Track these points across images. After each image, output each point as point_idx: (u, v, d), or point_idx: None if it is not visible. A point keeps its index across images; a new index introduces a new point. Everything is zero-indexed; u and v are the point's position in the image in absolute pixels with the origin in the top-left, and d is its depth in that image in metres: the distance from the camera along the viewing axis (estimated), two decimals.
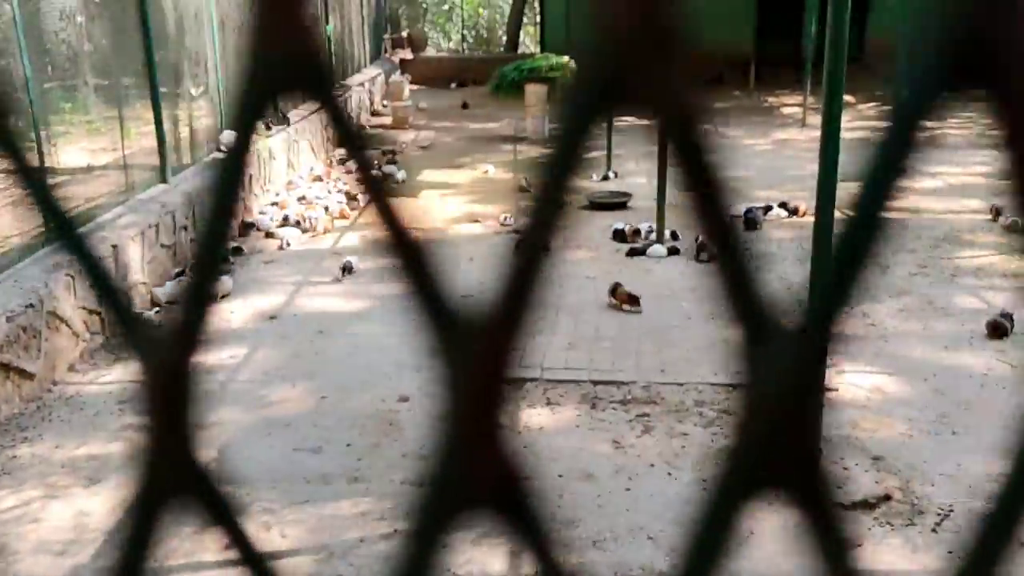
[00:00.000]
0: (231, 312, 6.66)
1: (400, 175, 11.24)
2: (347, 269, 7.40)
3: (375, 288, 6.98)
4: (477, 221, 9.16)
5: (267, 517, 4.04)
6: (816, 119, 13.51)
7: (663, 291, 6.88)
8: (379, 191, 0.42)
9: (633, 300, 6.39)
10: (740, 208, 8.99)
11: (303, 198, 9.97)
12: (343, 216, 9.25)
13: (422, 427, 4.80)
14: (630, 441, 4.66)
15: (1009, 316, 5.89)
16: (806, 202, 8.86)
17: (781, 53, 19.40)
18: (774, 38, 19.14)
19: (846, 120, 4.05)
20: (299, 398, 5.26)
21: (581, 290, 6.83)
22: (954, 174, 10.60)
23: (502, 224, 8.86)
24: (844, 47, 3.89)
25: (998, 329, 5.80)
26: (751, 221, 8.62)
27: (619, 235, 8.15)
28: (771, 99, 17.92)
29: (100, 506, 4.16)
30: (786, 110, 16.66)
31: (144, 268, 6.72)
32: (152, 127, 7.74)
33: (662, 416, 4.92)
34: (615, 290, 6.48)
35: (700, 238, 8.61)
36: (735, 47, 17.61)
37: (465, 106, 17.67)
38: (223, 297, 6.82)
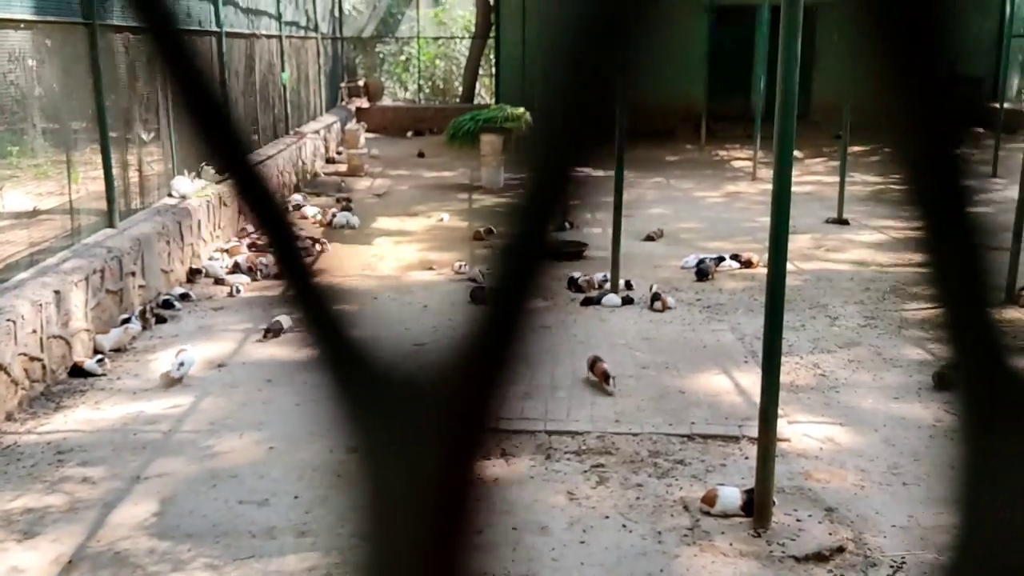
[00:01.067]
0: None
1: (355, 222, 11.22)
2: (273, 331, 6.84)
3: None
4: (431, 268, 9.13)
5: (209, 573, 3.90)
6: (765, 172, 13.78)
7: (617, 340, 6.89)
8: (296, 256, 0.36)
9: (608, 379, 5.84)
10: (691, 259, 9.10)
11: (254, 244, 9.86)
12: None
13: None
14: (585, 492, 4.61)
15: (955, 368, 5.99)
16: (757, 254, 9.00)
17: (731, 109, 19.89)
18: (724, 94, 19.63)
19: (795, 174, 4.14)
20: (245, 448, 5.13)
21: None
22: (898, 228, 10.84)
23: (456, 272, 8.85)
24: (794, 105, 4.00)
25: (944, 381, 5.89)
26: (703, 272, 8.72)
27: (574, 284, 8.18)
28: (722, 153, 18.28)
29: (35, 562, 3.98)
30: (736, 163, 16.99)
31: (88, 315, 6.55)
32: (100, 171, 7.62)
33: (617, 467, 4.89)
34: (593, 365, 5.96)
35: (653, 287, 8.46)
36: (687, 103, 18.01)
37: (421, 155, 17.73)
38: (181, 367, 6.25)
